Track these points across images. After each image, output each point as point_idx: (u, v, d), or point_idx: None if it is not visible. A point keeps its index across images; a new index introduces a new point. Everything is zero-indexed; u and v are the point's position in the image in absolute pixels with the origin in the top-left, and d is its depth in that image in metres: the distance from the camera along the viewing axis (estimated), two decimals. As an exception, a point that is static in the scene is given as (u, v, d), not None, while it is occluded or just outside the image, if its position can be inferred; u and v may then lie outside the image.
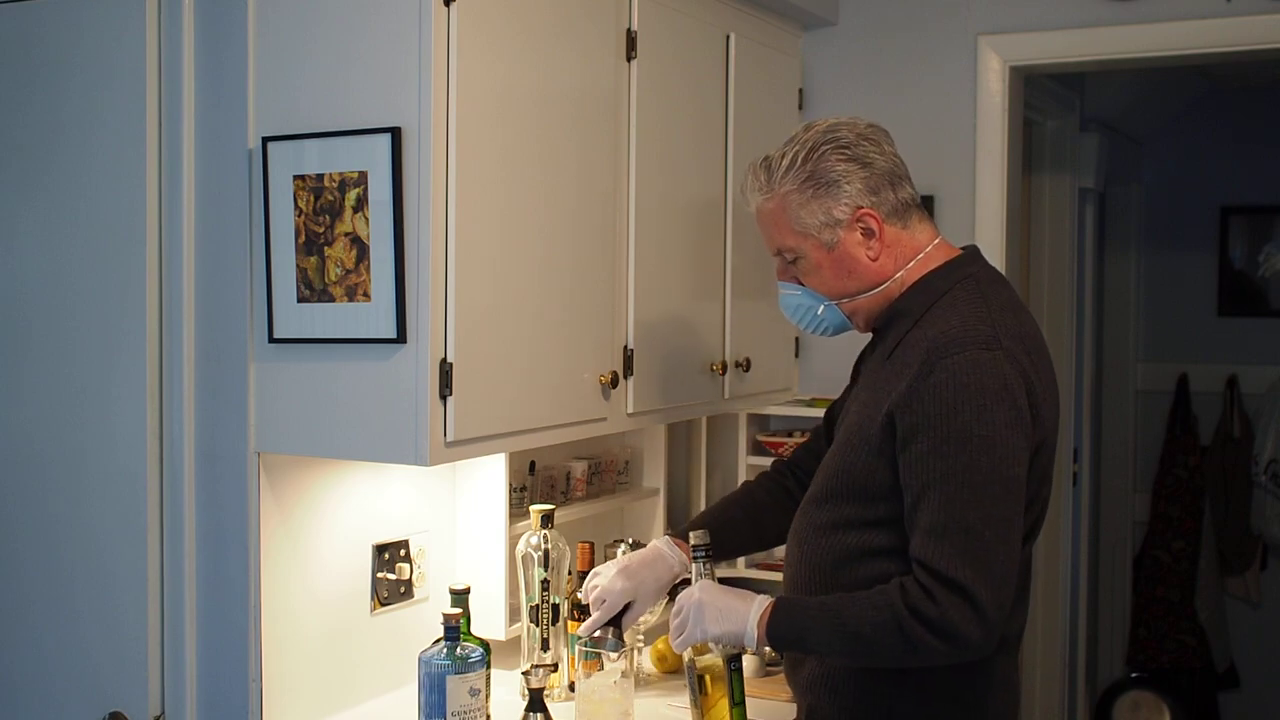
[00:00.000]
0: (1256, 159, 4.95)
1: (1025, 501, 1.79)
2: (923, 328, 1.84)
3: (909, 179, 1.96)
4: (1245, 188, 4.98)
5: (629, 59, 2.47)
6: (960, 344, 1.77)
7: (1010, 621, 1.85)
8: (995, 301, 1.87)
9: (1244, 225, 5.03)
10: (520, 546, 2.43)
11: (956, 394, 1.73)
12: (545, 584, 2.42)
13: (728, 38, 2.85)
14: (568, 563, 2.48)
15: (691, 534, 2.04)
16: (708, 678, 1.96)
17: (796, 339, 3.21)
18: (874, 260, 1.91)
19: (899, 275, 1.92)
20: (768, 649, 1.89)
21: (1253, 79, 4.70)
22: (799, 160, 1.90)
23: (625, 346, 2.48)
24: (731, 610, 1.88)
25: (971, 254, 1.97)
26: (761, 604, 1.87)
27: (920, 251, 1.93)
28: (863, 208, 1.89)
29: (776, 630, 1.84)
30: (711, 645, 1.95)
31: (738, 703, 1.95)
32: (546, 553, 2.42)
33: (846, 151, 1.89)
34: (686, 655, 1.98)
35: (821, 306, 1.97)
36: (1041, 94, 3.78)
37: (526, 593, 2.45)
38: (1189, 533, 4.89)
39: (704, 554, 2.01)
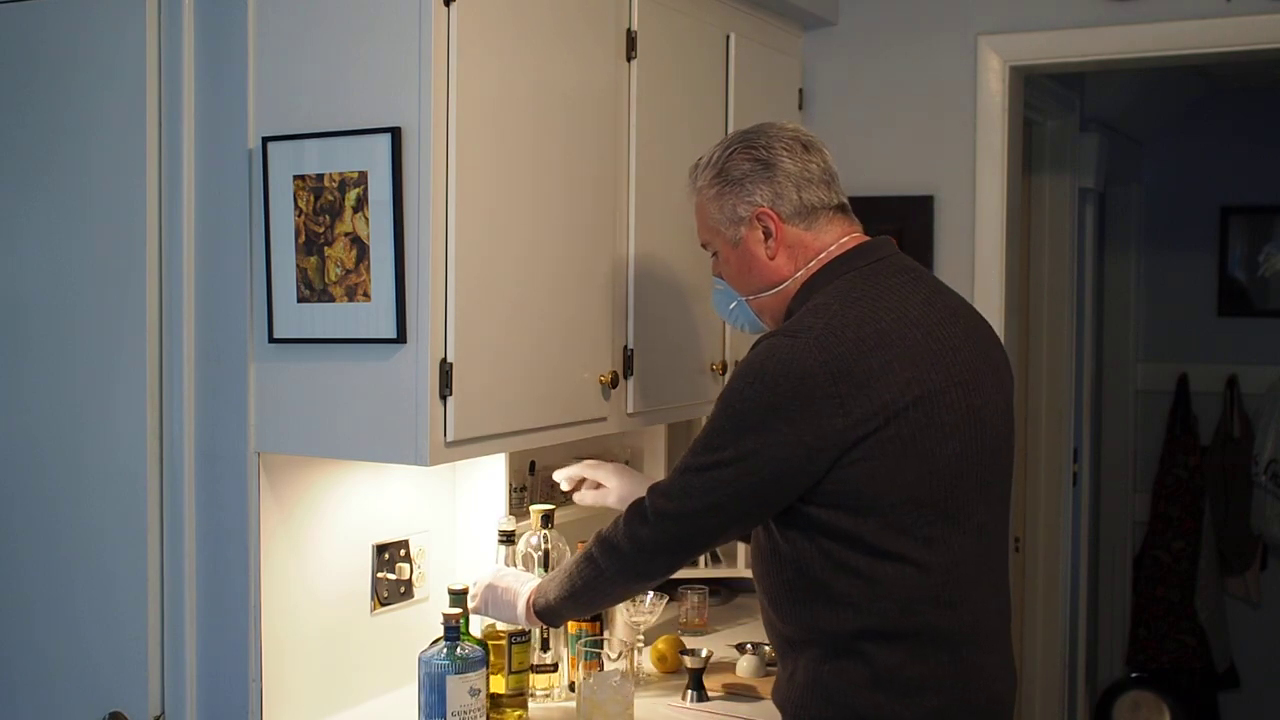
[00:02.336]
0: (1256, 159, 4.95)
1: (847, 471, 1.77)
2: None
3: (826, 184, 1.97)
4: (1245, 188, 4.98)
5: (629, 59, 2.47)
6: (770, 335, 1.86)
7: (973, 603, 1.85)
8: (857, 291, 1.87)
9: (1244, 225, 5.03)
10: (520, 546, 2.43)
11: (736, 375, 1.85)
12: (545, 584, 2.42)
13: (728, 38, 2.85)
14: (568, 563, 2.48)
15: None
16: (490, 645, 2.28)
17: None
18: (771, 259, 1.97)
19: (798, 275, 1.97)
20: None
21: (1253, 79, 4.70)
22: (715, 159, 2.00)
23: (625, 346, 2.48)
24: (509, 599, 2.18)
25: (867, 247, 1.96)
26: (529, 590, 2.15)
27: (822, 252, 1.96)
28: (761, 207, 1.95)
29: (538, 610, 2.13)
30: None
31: (513, 671, 2.32)
32: (546, 553, 2.42)
33: (753, 153, 1.96)
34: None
35: (734, 302, 2.06)
36: (1041, 94, 3.78)
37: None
38: (1189, 533, 4.89)
39: (506, 540, 2.38)
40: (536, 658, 2.41)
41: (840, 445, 1.76)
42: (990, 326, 2.02)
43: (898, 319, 1.84)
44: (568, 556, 2.45)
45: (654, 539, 1.91)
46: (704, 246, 2.08)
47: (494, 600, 2.20)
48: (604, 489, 2.43)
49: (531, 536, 2.44)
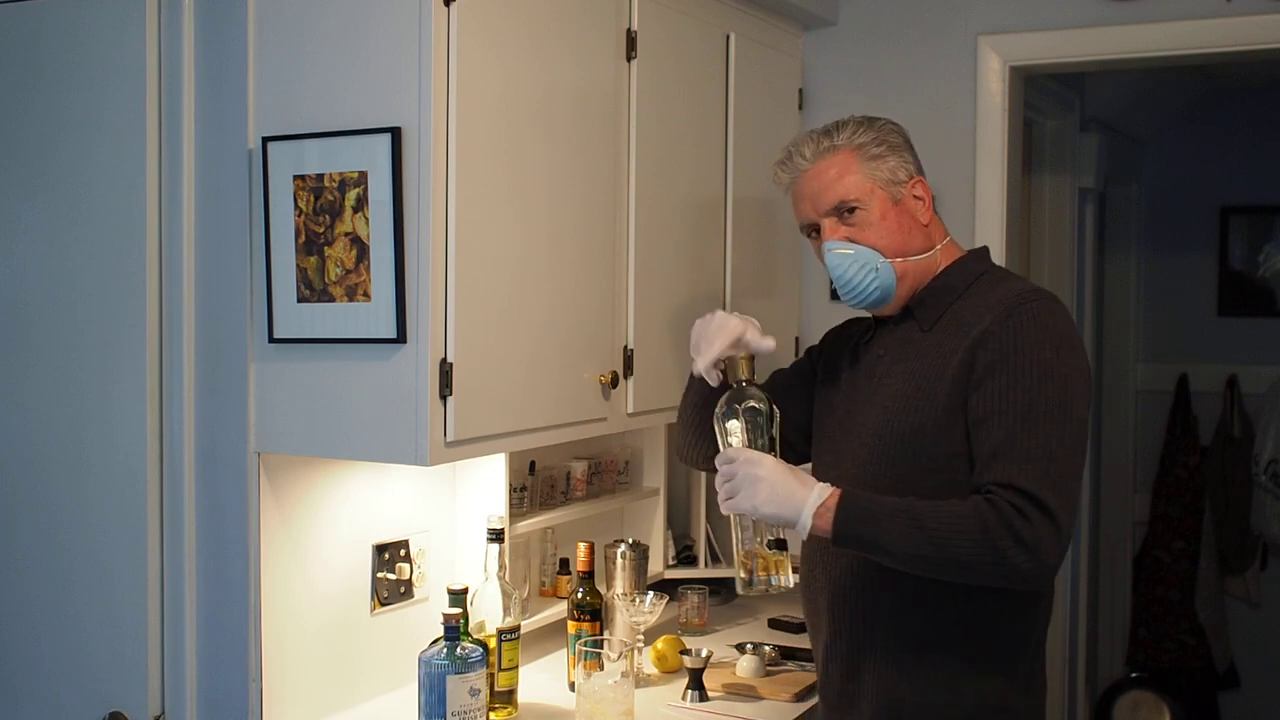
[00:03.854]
0: (1256, 159, 4.95)
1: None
2: (976, 296, 1.94)
3: None
4: (1245, 188, 4.98)
5: (629, 59, 2.47)
6: (1036, 295, 1.89)
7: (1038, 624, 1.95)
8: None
9: (1244, 225, 5.03)
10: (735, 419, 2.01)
11: (1038, 333, 1.82)
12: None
13: (728, 38, 2.85)
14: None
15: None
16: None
17: (796, 339, 3.21)
18: (926, 226, 2.02)
19: (939, 248, 2.02)
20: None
21: (1253, 79, 4.70)
22: (864, 126, 2.01)
23: (625, 346, 2.48)
24: (789, 492, 1.81)
25: (986, 251, 2.10)
26: (822, 493, 1.81)
27: (946, 238, 2.05)
28: (918, 176, 2.03)
29: (844, 523, 1.78)
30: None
31: (503, 669, 2.17)
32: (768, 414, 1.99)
33: (902, 134, 2.05)
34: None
35: (879, 261, 1.96)
36: (1041, 94, 3.78)
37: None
38: (1189, 533, 4.89)
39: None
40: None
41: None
42: None
43: None
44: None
45: (1065, 550, 1.77)
46: (835, 209, 1.97)
47: (764, 492, 1.81)
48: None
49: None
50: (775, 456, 1.88)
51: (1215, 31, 2.89)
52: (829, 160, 1.98)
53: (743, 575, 1.91)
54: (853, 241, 1.97)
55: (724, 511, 1.89)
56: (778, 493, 1.81)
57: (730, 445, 1.92)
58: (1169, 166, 5.09)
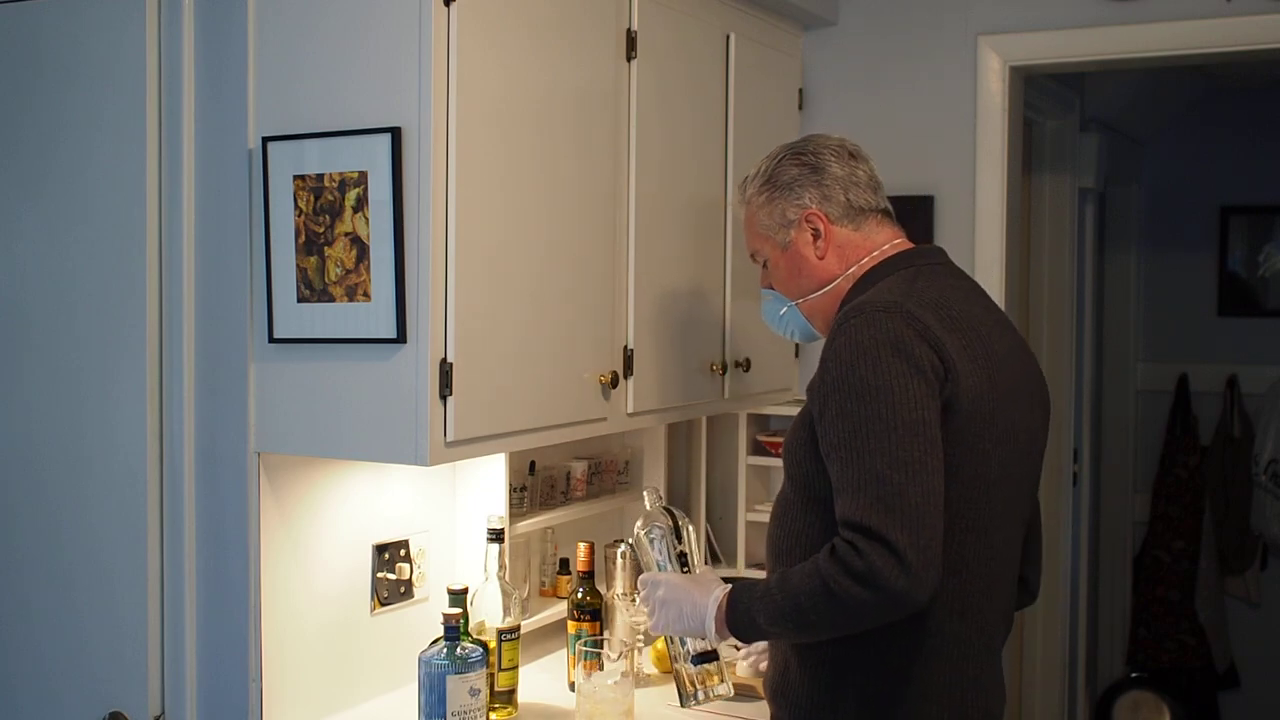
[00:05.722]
0: (1256, 159, 4.95)
1: (943, 456, 1.75)
2: None
3: (872, 189, 2.03)
4: (1245, 188, 4.98)
5: (629, 59, 2.47)
6: (859, 309, 1.81)
7: (982, 615, 1.85)
8: (922, 281, 1.90)
9: (1244, 225, 5.03)
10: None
11: (853, 351, 1.77)
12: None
13: (728, 38, 2.85)
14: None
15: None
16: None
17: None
18: (820, 259, 2.01)
19: (850, 272, 1.99)
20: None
21: (1253, 79, 4.70)
22: (765, 169, 2.05)
23: (625, 346, 2.48)
24: (691, 607, 1.91)
25: (924, 250, 2.01)
26: (717, 598, 1.89)
27: (874, 251, 2.00)
28: (810, 209, 1.99)
29: (734, 623, 1.86)
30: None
31: (503, 669, 2.26)
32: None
33: (801, 159, 2.02)
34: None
35: (785, 308, 2.08)
36: (1041, 94, 3.78)
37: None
38: (1189, 533, 4.89)
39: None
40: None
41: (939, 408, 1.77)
42: (1029, 349, 2.02)
43: (963, 314, 1.85)
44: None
45: (920, 566, 1.70)
46: (753, 257, 2.11)
47: (672, 615, 1.94)
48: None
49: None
50: (686, 570, 2.04)
51: (1215, 31, 2.88)
52: (744, 212, 2.10)
53: (688, 689, 2.04)
54: (771, 288, 2.09)
55: (652, 633, 2.02)
56: (683, 611, 1.92)
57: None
58: (1169, 166, 5.10)
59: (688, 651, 2.02)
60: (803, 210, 1.99)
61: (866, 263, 1.98)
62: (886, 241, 2.00)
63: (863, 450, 1.72)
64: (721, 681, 2.04)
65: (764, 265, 2.09)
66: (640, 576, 2.04)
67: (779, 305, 2.08)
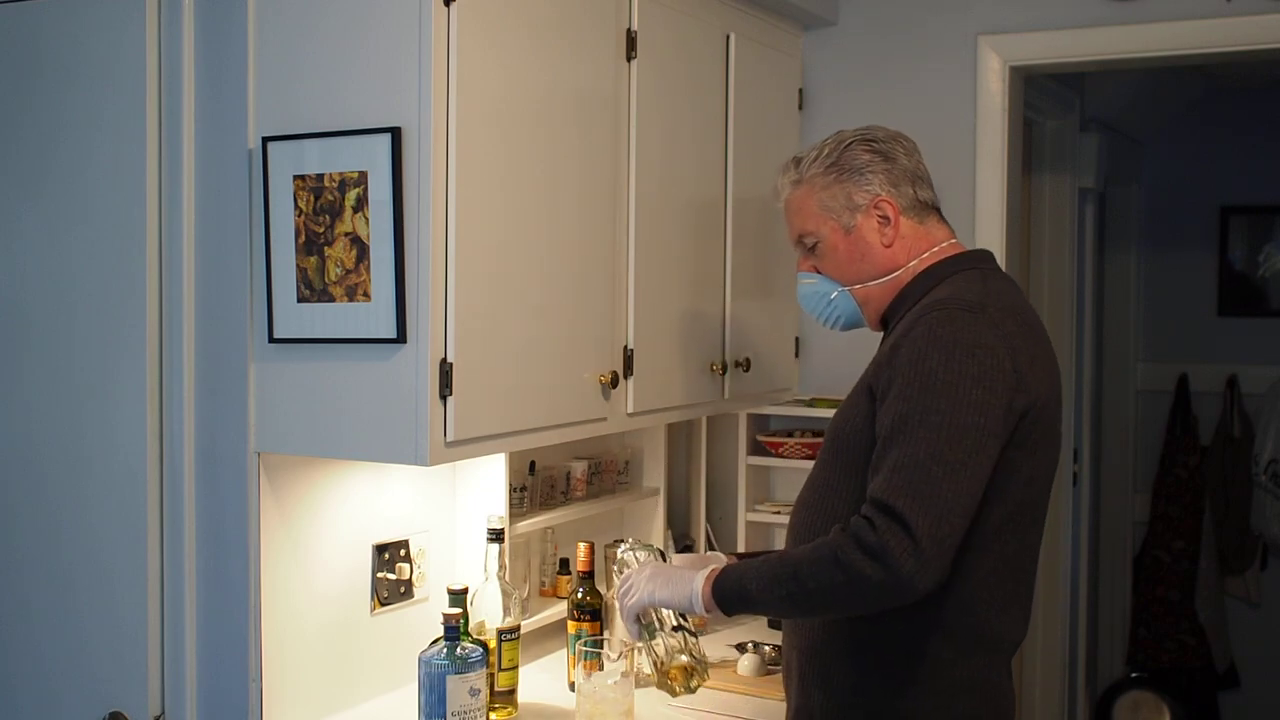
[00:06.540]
0: (1256, 159, 4.95)
1: (997, 461, 1.77)
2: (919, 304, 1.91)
3: (931, 186, 2.04)
4: (1245, 188, 4.98)
5: (629, 59, 2.47)
6: (943, 305, 1.83)
7: (1001, 624, 1.87)
8: (993, 284, 1.92)
9: (1244, 225, 5.03)
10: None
11: (929, 344, 1.78)
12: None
13: (728, 38, 2.85)
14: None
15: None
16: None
17: (796, 339, 3.21)
18: (887, 247, 1.98)
19: (911, 264, 1.99)
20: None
21: (1253, 79, 4.70)
22: (828, 151, 2.01)
23: (625, 346, 2.48)
24: (679, 577, 1.92)
25: (981, 253, 2.04)
26: (712, 569, 1.89)
27: (934, 247, 2.00)
28: (881, 196, 1.98)
29: (720, 587, 1.85)
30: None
31: (503, 668, 2.26)
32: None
33: (873, 145, 2.00)
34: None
35: (835, 292, 2.03)
36: (1041, 94, 3.78)
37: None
38: (1189, 533, 4.89)
39: (495, 538, 2.28)
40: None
41: (1009, 416, 1.78)
42: None
43: (1032, 320, 1.90)
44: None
45: (931, 556, 1.71)
46: (799, 240, 2.05)
47: (659, 583, 1.94)
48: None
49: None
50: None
51: (1215, 31, 2.89)
52: (793, 193, 2.04)
53: (670, 687, 2.03)
54: (817, 271, 2.05)
55: (625, 620, 1.99)
56: (670, 579, 1.92)
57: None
58: (1169, 166, 5.10)
59: (666, 619, 2.01)
60: (873, 196, 1.97)
61: (928, 258, 1.98)
62: (945, 239, 2.01)
63: (911, 438, 1.73)
64: (700, 678, 2.04)
65: (811, 249, 2.03)
66: (622, 574, 2.06)
67: (828, 288, 2.03)
